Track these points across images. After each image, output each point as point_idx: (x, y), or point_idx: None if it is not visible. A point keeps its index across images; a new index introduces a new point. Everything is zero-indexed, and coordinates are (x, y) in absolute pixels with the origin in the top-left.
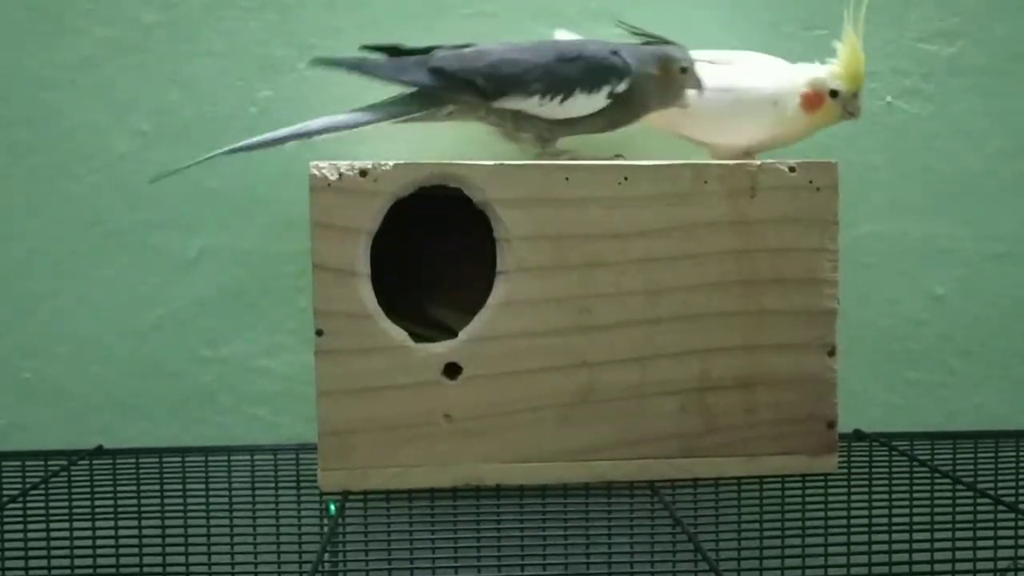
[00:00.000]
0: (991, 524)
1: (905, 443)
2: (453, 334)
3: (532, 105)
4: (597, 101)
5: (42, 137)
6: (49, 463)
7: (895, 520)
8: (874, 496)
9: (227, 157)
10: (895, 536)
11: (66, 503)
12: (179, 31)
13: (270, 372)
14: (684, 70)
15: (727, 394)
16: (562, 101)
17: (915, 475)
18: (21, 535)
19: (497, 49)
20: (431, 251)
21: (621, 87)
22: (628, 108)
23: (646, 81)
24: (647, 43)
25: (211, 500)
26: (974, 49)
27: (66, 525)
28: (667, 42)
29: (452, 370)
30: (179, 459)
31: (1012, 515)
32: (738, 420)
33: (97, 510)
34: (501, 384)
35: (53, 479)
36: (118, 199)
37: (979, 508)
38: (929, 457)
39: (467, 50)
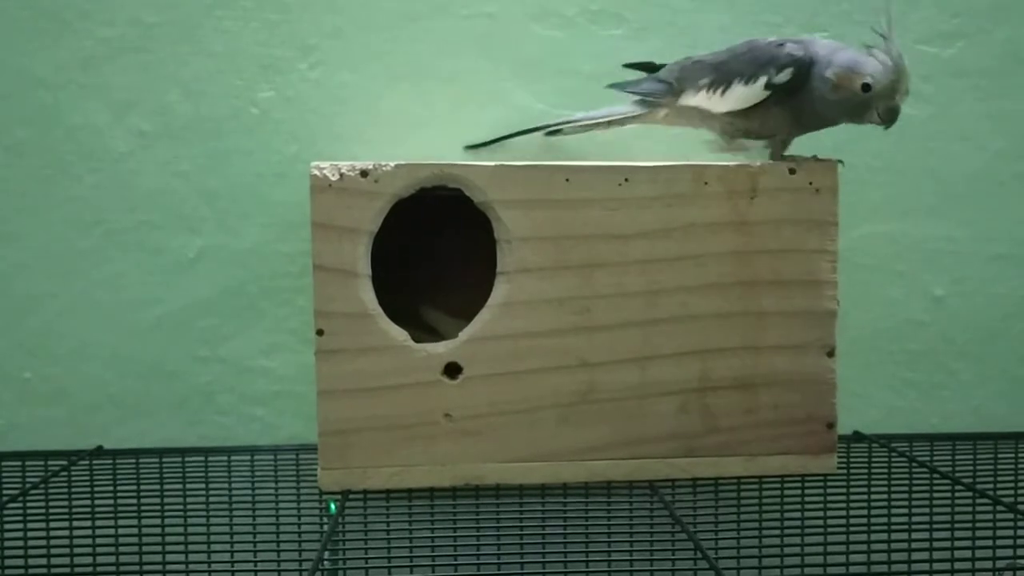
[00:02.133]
0: (990, 524)
1: (904, 444)
2: (442, 338)
3: (701, 100)
4: (755, 91)
5: (42, 137)
6: (49, 463)
7: (894, 520)
8: (873, 496)
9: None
10: (894, 536)
11: (66, 503)
12: (179, 31)
13: (269, 372)
14: (867, 87)
15: (727, 394)
16: (723, 93)
17: (914, 476)
18: (21, 535)
19: (706, 56)
20: (425, 250)
21: (780, 77)
22: (802, 107)
23: (821, 84)
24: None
25: (211, 500)
26: (974, 51)
27: (66, 525)
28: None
29: (452, 370)
30: (179, 459)
31: (1011, 515)
32: (738, 420)
33: (97, 510)
34: (501, 384)
35: (53, 479)
36: (118, 199)
37: (978, 508)
38: (928, 458)
39: (687, 60)
